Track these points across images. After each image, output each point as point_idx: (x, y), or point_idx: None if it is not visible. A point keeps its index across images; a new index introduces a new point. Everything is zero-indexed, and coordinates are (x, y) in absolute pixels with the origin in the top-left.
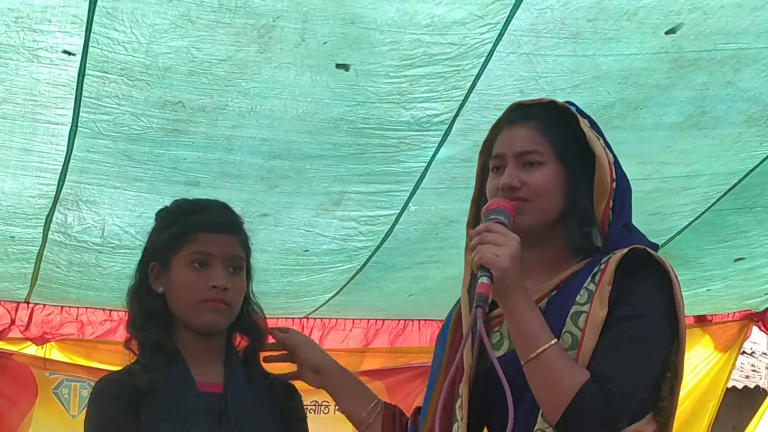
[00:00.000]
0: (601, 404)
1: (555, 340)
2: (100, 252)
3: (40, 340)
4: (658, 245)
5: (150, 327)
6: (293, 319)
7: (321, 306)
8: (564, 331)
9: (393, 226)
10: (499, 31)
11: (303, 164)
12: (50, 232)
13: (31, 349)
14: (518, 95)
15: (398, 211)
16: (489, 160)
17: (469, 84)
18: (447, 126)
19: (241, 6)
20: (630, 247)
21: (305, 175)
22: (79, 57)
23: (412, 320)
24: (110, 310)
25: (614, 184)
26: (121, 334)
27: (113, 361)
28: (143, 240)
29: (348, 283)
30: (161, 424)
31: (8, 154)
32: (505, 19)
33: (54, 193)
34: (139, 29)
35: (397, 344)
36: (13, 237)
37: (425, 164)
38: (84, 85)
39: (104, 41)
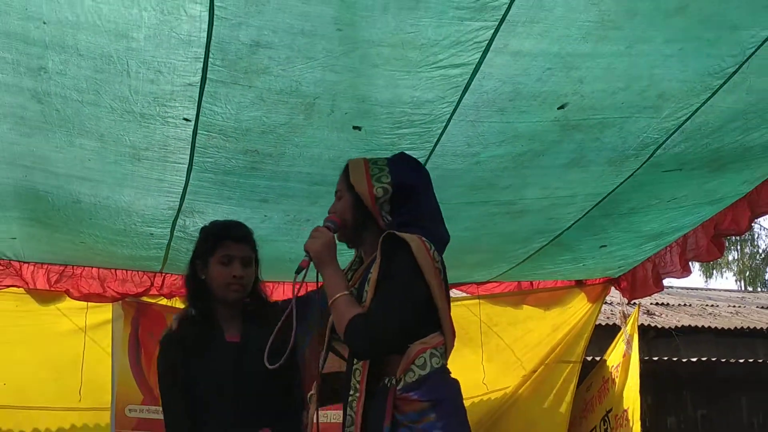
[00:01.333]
0: (362, 327)
1: (346, 292)
2: None
3: (169, 296)
4: (439, 236)
5: (197, 299)
6: None
7: None
8: (364, 291)
9: None
10: (454, 107)
11: (331, 189)
12: (175, 231)
13: (163, 301)
14: (465, 146)
15: None
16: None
17: (435, 139)
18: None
19: (294, 91)
20: (386, 232)
21: (332, 195)
22: (193, 122)
23: None
24: None
25: (381, 199)
26: None
27: None
28: None
29: None
30: (197, 366)
31: (149, 182)
32: (457, 99)
33: (177, 206)
34: (230, 105)
35: None
36: (152, 234)
37: None
38: (197, 139)
39: (209, 112)
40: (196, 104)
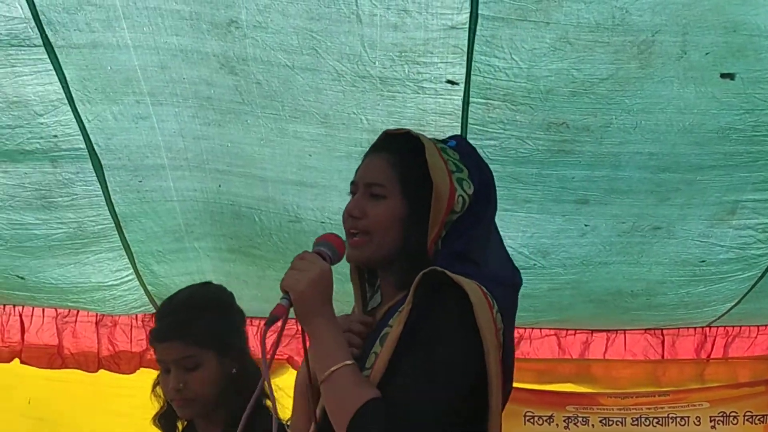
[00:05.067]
0: (380, 424)
1: (350, 361)
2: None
3: None
4: (512, 282)
5: (161, 417)
6: (694, 328)
7: (723, 315)
8: (371, 351)
9: None
10: None
11: (693, 176)
12: None
13: None
14: None
15: None
16: None
17: None
18: None
19: (619, 24)
20: (429, 268)
21: (696, 187)
22: (462, 86)
23: None
24: None
25: (454, 216)
26: (521, 351)
27: (518, 378)
28: (537, 260)
29: (749, 291)
30: None
31: None
32: None
33: None
34: (518, 55)
35: None
36: None
37: None
38: (469, 112)
39: (485, 69)
40: (465, 58)
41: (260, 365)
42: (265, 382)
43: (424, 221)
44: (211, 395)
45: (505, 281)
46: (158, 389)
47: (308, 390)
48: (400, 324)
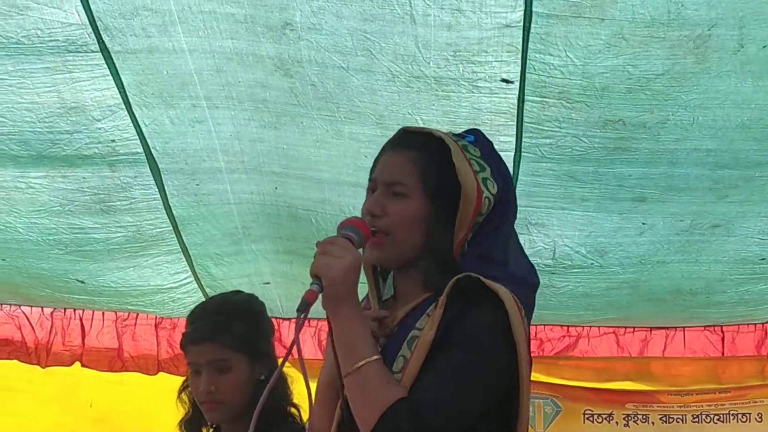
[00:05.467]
0: (408, 423)
1: (377, 356)
2: (553, 273)
3: None
4: (533, 282)
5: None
6: (755, 324)
7: None
8: (399, 354)
9: None
10: None
11: (752, 172)
12: None
13: None
14: None
15: None
16: None
17: None
18: None
19: (674, 18)
20: (464, 274)
21: (755, 183)
22: (517, 84)
23: None
24: (568, 326)
25: (480, 218)
26: (579, 350)
27: (574, 377)
28: (594, 259)
29: None
30: None
31: None
32: None
33: None
34: (573, 52)
35: None
36: None
37: None
38: (524, 111)
39: (540, 66)
40: (520, 56)
41: (288, 374)
42: (299, 375)
43: (448, 222)
44: (241, 400)
45: (525, 281)
46: (183, 395)
47: (338, 381)
48: (433, 329)
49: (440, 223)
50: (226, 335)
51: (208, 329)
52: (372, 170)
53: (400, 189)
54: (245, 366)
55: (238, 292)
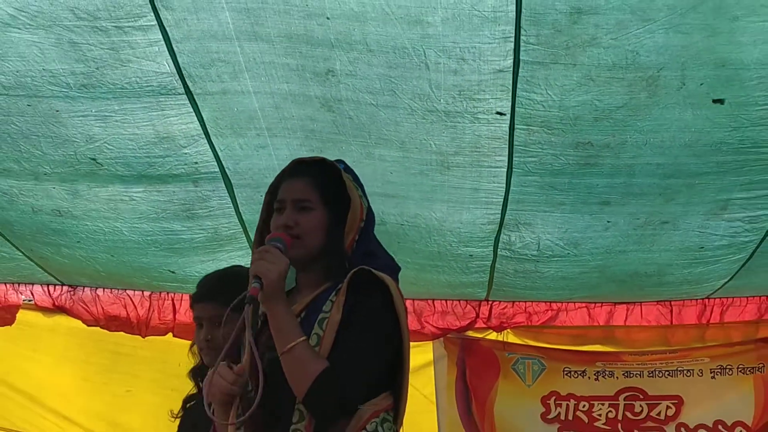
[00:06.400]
0: (332, 386)
1: (304, 337)
2: (538, 261)
3: (498, 328)
4: (398, 267)
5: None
6: (696, 300)
7: (718, 289)
8: (312, 333)
9: None
10: None
11: (693, 180)
12: (499, 250)
13: (492, 335)
14: None
15: None
16: (273, 201)
17: None
18: None
19: (631, 63)
20: (358, 268)
21: (695, 189)
22: (508, 116)
23: None
24: (550, 302)
25: (362, 224)
26: (559, 320)
27: (555, 341)
28: (570, 250)
29: (739, 270)
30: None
31: (462, 193)
32: None
33: (499, 219)
34: (552, 90)
35: None
36: (471, 255)
37: None
38: (514, 136)
39: (527, 102)
40: (511, 94)
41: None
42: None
43: (341, 227)
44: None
45: (394, 268)
46: (194, 348)
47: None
48: (338, 311)
49: (337, 228)
50: (223, 296)
51: (207, 291)
52: (273, 195)
53: (307, 204)
54: (236, 324)
55: (238, 265)
